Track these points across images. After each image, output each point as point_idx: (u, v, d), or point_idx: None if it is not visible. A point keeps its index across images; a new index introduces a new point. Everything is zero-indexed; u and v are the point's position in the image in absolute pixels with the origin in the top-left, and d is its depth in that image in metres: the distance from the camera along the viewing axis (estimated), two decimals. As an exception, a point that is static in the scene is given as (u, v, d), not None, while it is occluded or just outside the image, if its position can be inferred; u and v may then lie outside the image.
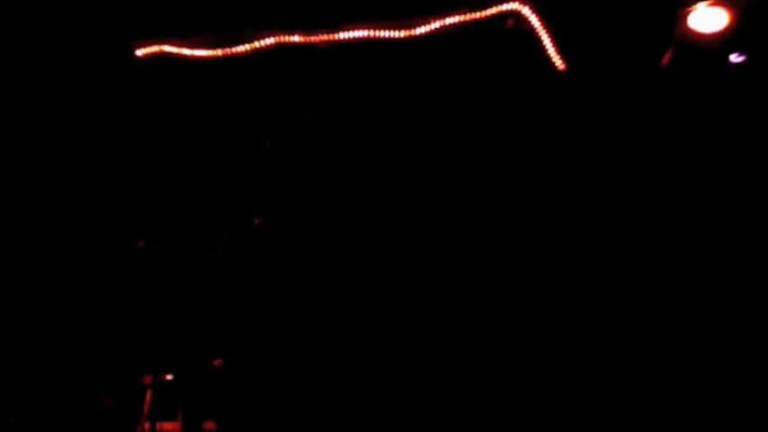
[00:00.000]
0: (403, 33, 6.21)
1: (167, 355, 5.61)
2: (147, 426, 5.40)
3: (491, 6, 6.14)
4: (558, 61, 6.05)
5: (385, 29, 6.20)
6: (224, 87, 6.37)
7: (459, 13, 6.16)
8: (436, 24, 6.17)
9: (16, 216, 6.39)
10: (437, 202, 6.11)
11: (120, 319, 6.22)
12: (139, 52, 6.45)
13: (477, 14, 6.15)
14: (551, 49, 6.06)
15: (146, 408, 5.44)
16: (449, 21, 6.17)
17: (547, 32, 6.07)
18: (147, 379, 5.49)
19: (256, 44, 6.35)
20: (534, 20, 6.09)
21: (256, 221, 5.99)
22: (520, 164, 6.07)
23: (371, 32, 6.22)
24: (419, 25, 6.19)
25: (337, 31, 6.25)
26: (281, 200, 6.21)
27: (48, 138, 6.47)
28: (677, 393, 5.65)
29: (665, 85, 5.85)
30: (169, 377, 5.49)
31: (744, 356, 5.68)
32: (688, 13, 5.56)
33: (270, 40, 6.34)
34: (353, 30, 6.22)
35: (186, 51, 6.43)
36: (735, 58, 5.68)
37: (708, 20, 5.56)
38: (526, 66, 6.07)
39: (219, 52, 6.40)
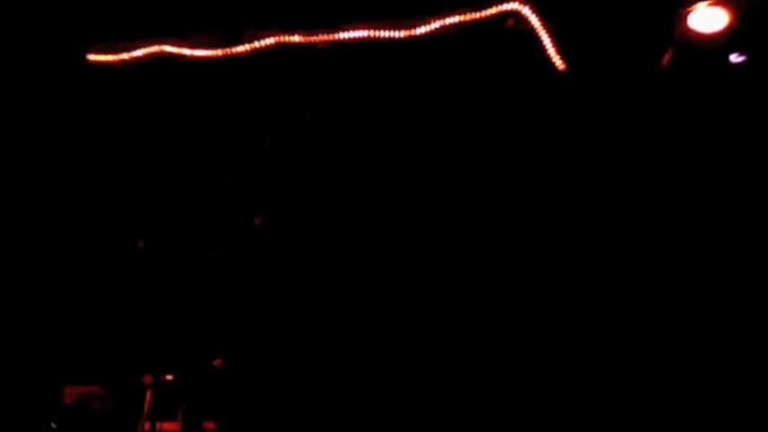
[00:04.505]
0: (403, 33, 6.21)
1: (168, 355, 5.61)
2: (147, 426, 5.41)
3: (491, 6, 6.14)
4: (558, 61, 6.05)
5: (385, 29, 6.20)
6: (224, 87, 6.37)
7: (459, 13, 6.16)
8: (436, 24, 6.17)
9: (17, 216, 6.39)
10: (437, 201, 6.10)
11: (120, 319, 6.23)
12: (139, 52, 6.46)
13: (477, 14, 6.15)
14: (551, 49, 6.06)
15: (146, 408, 5.44)
16: (449, 21, 6.17)
17: (547, 32, 6.07)
18: (147, 379, 5.49)
19: (256, 44, 6.35)
20: (534, 20, 6.09)
21: (256, 221, 5.99)
22: (520, 163, 6.07)
23: (371, 32, 6.22)
24: (419, 25, 6.19)
25: (337, 31, 6.25)
26: (281, 200, 6.21)
27: (50, 137, 6.48)
28: (677, 393, 5.65)
29: (665, 85, 5.85)
30: (169, 377, 5.50)
31: (744, 356, 5.68)
32: (688, 13, 5.56)
33: (270, 40, 6.35)
34: (353, 30, 6.22)
35: (186, 51, 6.43)
36: (735, 58, 5.68)
37: (708, 20, 5.56)
38: (526, 66, 6.07)
39: (219, 52, 6.40)
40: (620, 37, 5.89)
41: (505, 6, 6.13)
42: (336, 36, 6.26)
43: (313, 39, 6.30)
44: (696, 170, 5.88)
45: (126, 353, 6.04)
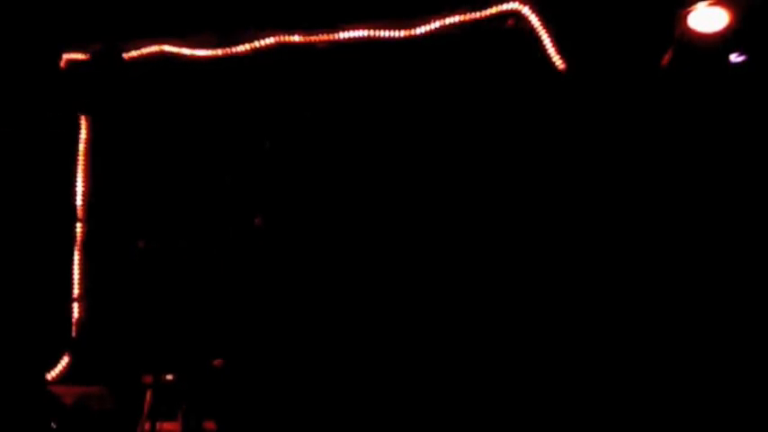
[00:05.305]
0: (403, 33, 6.22)
1: (167, 355, 5.61)
2: (147, 426, 5.40)
3: (491, 6, 6.14)
4: (558, 61, 6.05)
5: (385, 29, 6.20)
6: (224, 87, 6.38)
7: (459, 13, 6.17)
8: (436, 24, 6.18)
9: (16, 216, 6.40)
10: (437, 201, 6.10)
11: (120, 319, 6.23)
12: (136, 52, 6.46)
13: (477, 14, 6.16)
14: (551, 49, 6.06)
15: (146, 408, 5.44)
16: (449, 21, 6.17)
17: (547, 32, 6.08)
18: (147, 379, 5.49)
19: (256, 44, 6.36)
20: (534, 20, 6.10)
21: (256, 221, 5.99)
22: (520, 163, 6.07)
23: (371, 32, 6.23)
24: (419, 25, 6.20)
25: (337, 31, 6.26)
26: (281, 200, 6.21)
27: (52, 136, 6.48)
28: (678, 393, 5.66)
29: (665, 85, 5.85)
30: (169, 377, 5.49)
31: (744, 356, 5.68)
32: (688, 13, 5.56)
33: (270, 40, 6.35)
34: (353, 30, 6.23)
35: (186, 51, 6.44)
36: (735, 58, 5.68)
37: (708, 20, 5.56)
38: (526, 66, 6.07)
39: (219, 52, 6.41)
40: (620, 37, 5.89)
41: (505, 6, 6.14)
42: (336, 36, 6.27)
43: (313, 39, 6.31)
44: (696, 170, 5.87)
45: (126, 353, 6.04)
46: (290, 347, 6.05)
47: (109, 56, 6.20)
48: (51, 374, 6.21)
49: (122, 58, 6.26)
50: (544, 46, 6.07)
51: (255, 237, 6.01)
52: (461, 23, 6.16)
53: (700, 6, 5.52)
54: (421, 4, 6.17)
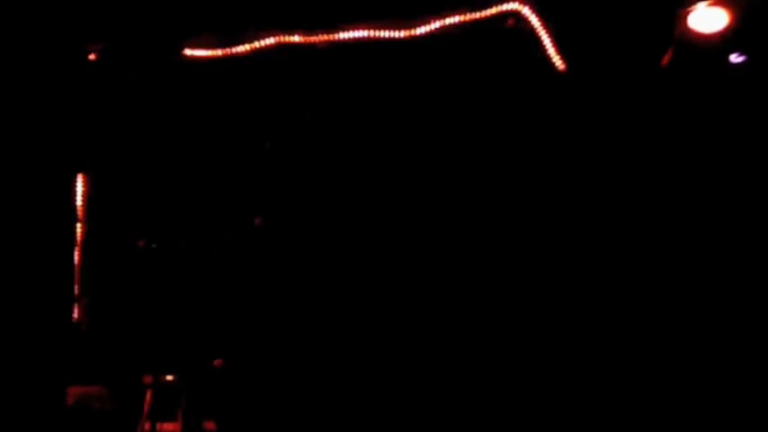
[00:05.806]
0: (403, 33, 6.21)
1: (167, 355, 5.61)
2: (147, 426, 5.41)
3: (491, 6, 6.14)
4: (558, 61, 6.05)
5: (385, 29, 6.20)
6: (224, 87, 6.37)
7: (460, 13, 6.17)
8: (436, 24, 6.18)
9: (17, 216, 6.39)
10: (437, 201, 6.11)
11: (120, 319, 6.23)
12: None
13: (477, 14, 6.16)
14: (551, 49, 6.06)
15: (146, 408, 5.44)
16: (449, 21, 6.17)
17: (547, 32, 6.08)
18: (147, 379, 5.49)
19: (256, 44, 6.35)
20: (534, 20, 6.10)
21: (256, 221, 5.99)
22: (520, 164, 6.07)
23: (371, 32, 6.22)
24: (419, 25, 6.19)
25: (337, 31, 6.26)
26: (281, 200, 6.21)
27: (50, 137, 6.48)
28: (677, 393, 5.66)
29: (665, 85, 5.85)
30: (169, 377, 5.49)
31: (744, 356, 5.68)
32: (688, 13, 5.56)
33: (270, 40, 6.35)
34: (353, 30, 6.23)
35: (186, 51, 6.43)
36: (735, 58, 5.68)
37: (708, 20, 5.57)
38: (526, 66, 6.07)
39: (219, 52, 6.40)
40: (620, 37, 5.89)
41: (505, 6, 6.14)
42: (336, 36, 6.27)
43: (313, 39, 6.31)
44: (696, 170, 5.88)
45: (126, 353, 6.03)
46: (289, 348, 6.05)
47: (125, 53, 6.22)
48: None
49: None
50: (544, 46, 6.07)
51: (255, 237, 6.01)
52: (461, 24, 6.16)
53: (700, 6, 5.53)
54: (421, 4, 6.17)
